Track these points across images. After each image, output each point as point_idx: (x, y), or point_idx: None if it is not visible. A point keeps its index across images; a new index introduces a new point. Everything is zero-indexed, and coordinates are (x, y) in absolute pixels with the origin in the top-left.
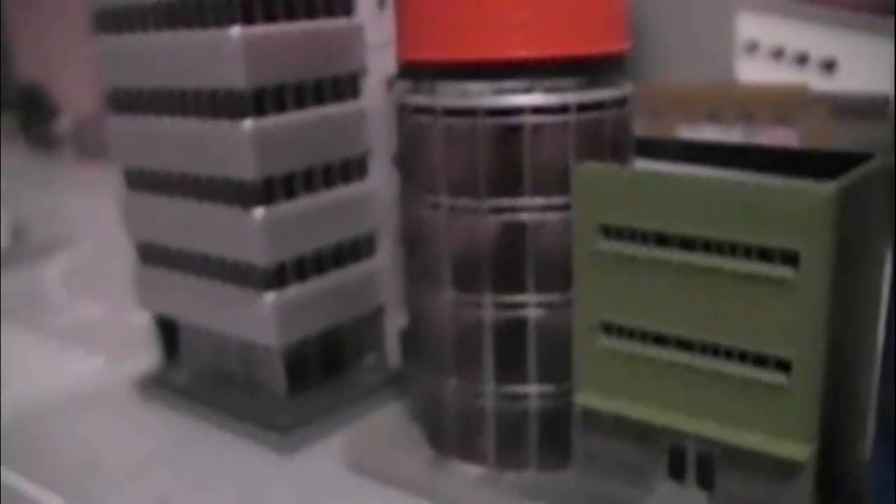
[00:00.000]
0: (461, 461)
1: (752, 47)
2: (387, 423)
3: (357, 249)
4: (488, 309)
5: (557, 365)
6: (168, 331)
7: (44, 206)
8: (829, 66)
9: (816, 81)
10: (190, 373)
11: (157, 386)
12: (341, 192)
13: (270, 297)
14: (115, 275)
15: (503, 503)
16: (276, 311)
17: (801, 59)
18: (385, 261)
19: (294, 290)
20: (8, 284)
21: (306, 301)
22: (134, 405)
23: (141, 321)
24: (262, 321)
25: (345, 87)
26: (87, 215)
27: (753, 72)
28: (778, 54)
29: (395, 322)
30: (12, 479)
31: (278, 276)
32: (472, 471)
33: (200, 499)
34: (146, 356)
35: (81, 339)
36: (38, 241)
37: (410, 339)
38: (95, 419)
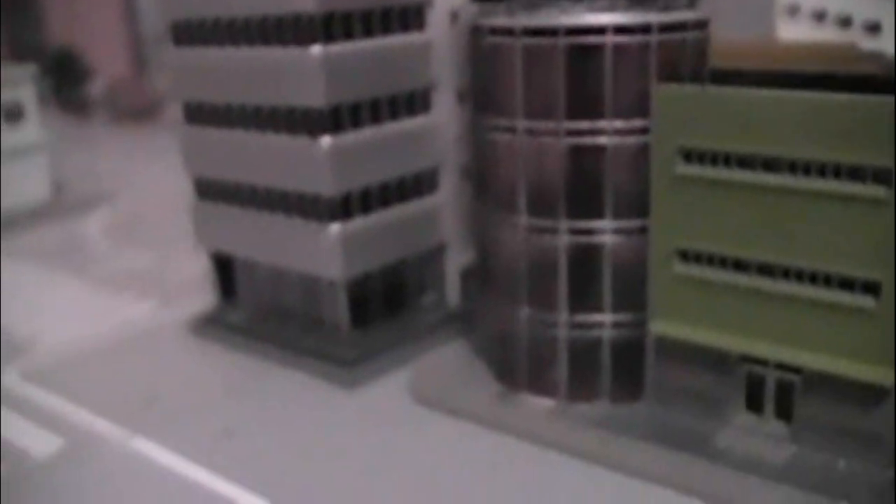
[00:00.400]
0: (531, 394)
1: (794, 10)
2: (451, 358)
3: (420, 184)
4: (563, 235)
5: (632, 293)
6: (225, 269)
7: (80, 165)
8: (873, 28)
9: (861, 43)
10: (248, 311)
11: (214, 325)
12: (406, 124)
13: (336, 228)
14: (155, 226)
15: (574, 434)
16: (342, 243)
17: (844, 22)
18: (447, 197)
19: (359, 223)
20: (53, 235)
21: (371, 234)
22: (191, 344)
23: (184, 270)
24: (327, 254)
25: (411, 17)
26: (123, 174)
27: (795, 33)
28: (820, 17)
29: (455, 261)
30: (75, 411)
31: (344, 208)
32: (542, 403)
33: (266, 431)
34: (194, 301)
35: (129, 285)
36: (77, 196)
37: (477, 273)
38: (154, 357)
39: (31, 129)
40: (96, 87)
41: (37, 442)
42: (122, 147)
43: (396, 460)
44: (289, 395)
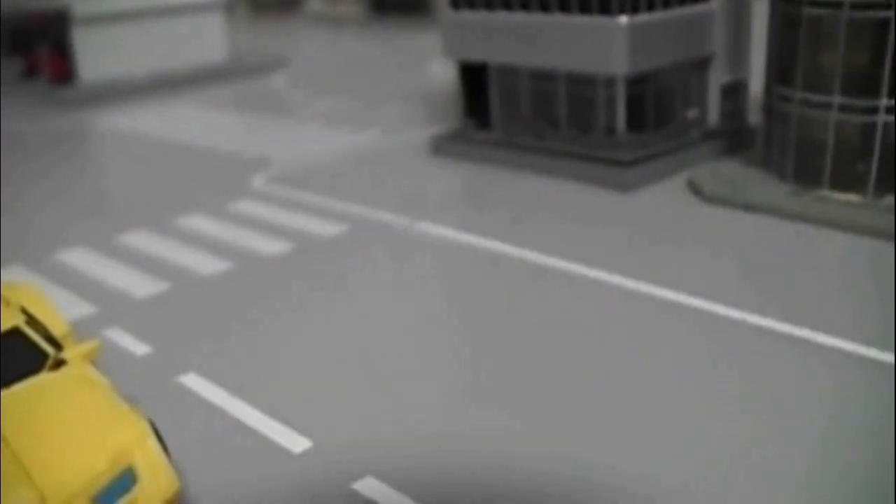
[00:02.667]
0: (831, 190)
1: None
2: (730, 166)
3: None
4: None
5: None
6: (474, 81)
7: (240, 43)
8: None
9: None
10: (501, 124)
11: (461, 142)
12: None
13: (624, 20)
14: (335, 82)
15: (881, 221)
16: (628, 36)
17: None
18: (717, 7)
19: (644, 18)
20: (245, 89)
21: (653, 31)
22: (438, 160)
23: (388, 112)
24: (612, 48)
25: None
26: (281, 49)
27: None
28: None
29: (718, 78)
30: (347, 205)
31: (632, 1)
32: (844, 197)
33: (551, 224)
34: (417, 133)
35: (340, 122)
36: (250, 61)
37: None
38: (403, 167)
39: None
40: None
41: (324, 228)
42: (271, 32)
43: (687, 250)
44: (562, 197)
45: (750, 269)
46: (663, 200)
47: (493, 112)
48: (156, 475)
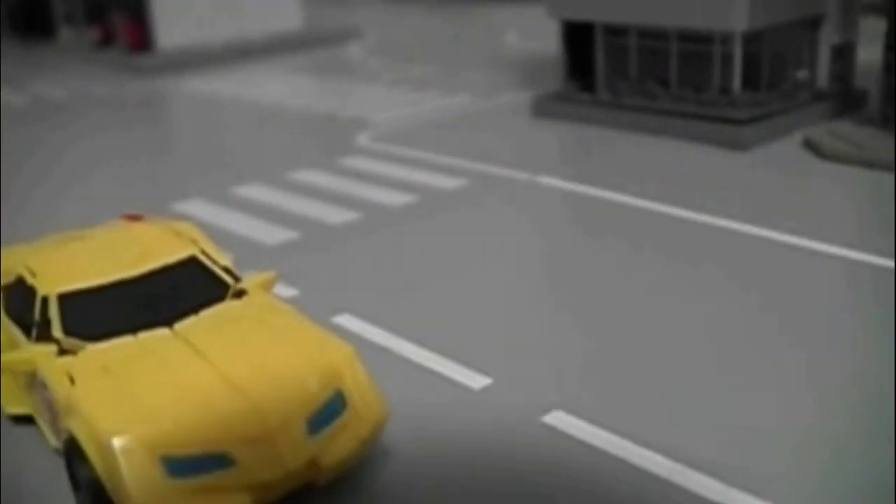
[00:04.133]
0: None
1: None
2: (842, 126)
3: None
4: None
5: None
6: (576, 45)
7: (312, 13)
8: None
9: None
10: (607, 85)
11: (563, 103)
12: None
13: None
14: (412, 51)
15: None
16: None
17: None
18: None
19: None
20: (324, 56)
21: None
22: (539, 121)
23: (475, 78)
24: (733, 3)
25: None
26: (351, 19)
27: None
28: None
29: (828, 39)
30: (433, 157)
31: None
32: None
33: (669, 177)
34: (510, 97)
35: (427, 86)
36: (323, 31)
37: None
38: (505, 127)
39: None
40: None
41: (445, 182)
42: (335, 2)
43: (815, 201)
44: (678, 155)
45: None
46: (782, 158)
47: (598, 72)
48: (366, 400)
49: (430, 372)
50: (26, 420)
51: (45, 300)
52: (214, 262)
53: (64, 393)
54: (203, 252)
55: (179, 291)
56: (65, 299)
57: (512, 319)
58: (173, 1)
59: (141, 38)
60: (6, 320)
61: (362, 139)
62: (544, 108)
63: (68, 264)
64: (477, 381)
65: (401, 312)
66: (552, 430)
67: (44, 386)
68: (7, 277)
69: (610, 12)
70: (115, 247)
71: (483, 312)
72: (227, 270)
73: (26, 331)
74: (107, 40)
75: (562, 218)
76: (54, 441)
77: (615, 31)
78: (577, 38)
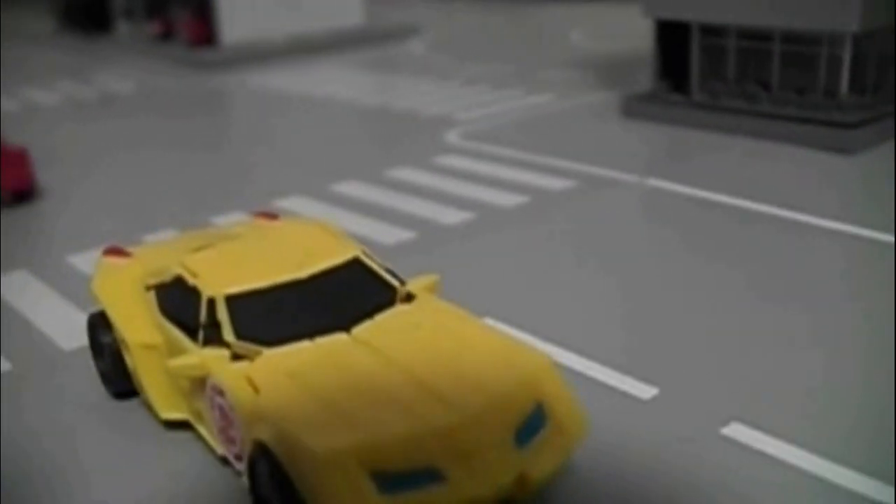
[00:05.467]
0: None
1: None
2: None
3: None
4: None
5: None
6: (669, 43)
7: (371, 12)
8: None
9: None
10: (701, 87)
11: (654, 103)
12: None
13: None
14: (477, 49)
15: None
16: None
17: None
18: None
19: None
20: (391, 52)
21: None
22: (628, 122)
23: (552, 77)
24: (846, 3)
25: None
26: (406, 17)
27: None
28: None
29: None
30: (531, 157)
31: None
32: None
33: (779, 180)
34: (594, 96)
35: (504, 85)
36: (385, 27)
37: None
38: (592, 126)
39: None
40: None
41: (551, 183)
42: (389, 1)
43: None
44: (783, 158)
45: None
46: (890, 162)
47: (693, 73)
48: (566, 411)
49: (594, 381)
50: (181, 426)
51: (211, 302)
52: (377, 263)
53: (247, 400)
54: (364, 253)
55: (348, 294)
56: (233, 301)
57: (658, 324)
58: None
59: (203, 33)
60: (162, 320)
61: (452, 137)
62: (634, 109)
63: (230, 265)
64: (644, 390)
65: (543, 316)
66: (734, 443)
67: (219, 393)
68: (155, 277)
69: (709, 12)
70: (274, 247)
71: (627, 318)
72: (389, 272)
73: (190, 333)
74: (166, 35)
75: (684, 222)
76: (222, 449)
77: (713, 32)
78: (670, 37)
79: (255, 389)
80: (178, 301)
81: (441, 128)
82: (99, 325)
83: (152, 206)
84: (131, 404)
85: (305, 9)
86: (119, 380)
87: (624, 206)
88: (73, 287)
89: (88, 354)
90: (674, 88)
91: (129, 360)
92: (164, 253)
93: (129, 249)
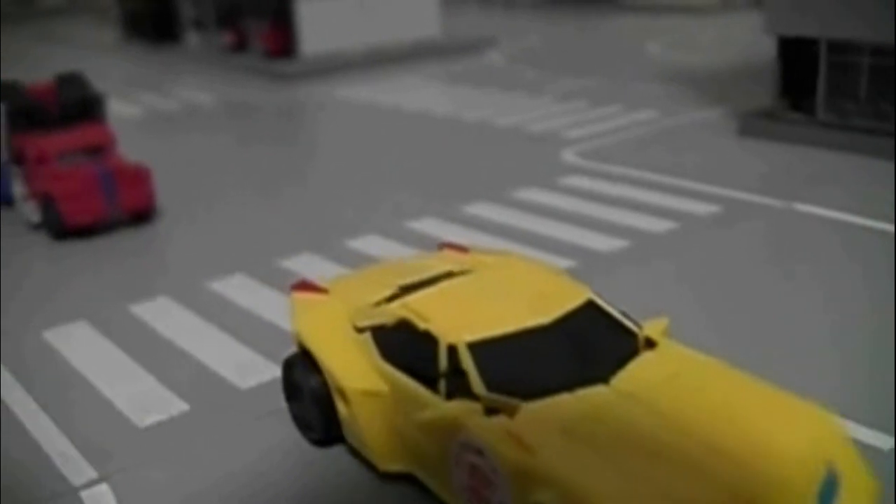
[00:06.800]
0: None
1: None
2: None
3: None
4: None
5: None
6: (794, 61)
7: (456, 24)
8: None
9: None
10: (833, 101)
11: (779, 122)
12: None
13: None
14: (551, 60)
15: None
16: None
17: None
18: None
19: None
20: (471, 64)
21: None
22: (744, 139)
23: (647, 92)
24: None
25: None
26: (479, 29)
27: None
28: None
29: None
30: (659, 179)
31: None
32: None
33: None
34: (696, 112)
35: (600, 101)
36: (461, 39)
37: None
38: (714, 147)
39: None
40: None
41: (696, 207)
42: (443, 11)
43: None
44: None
45: None
46: None
47: (820, 91)
48: (858, 478)
49: None
50: (400, 478)
51: (452, 350)
52: (609, 304)
53: (517, 460)
54: (595, 293)
55: (593, 339)
56: (476, 349)
57: (874, 364)
58: (317, 8)
59: (282, 44)
60: (385, 367)
61: (569, 156)
62: (752, 127)
63: (460, 307)
64: (883, 440)
65: (747, 352)
66: None
67: (474, 451)
68: (363, 316)
69: (840, 29)
70: (501, 287)
71: (837, 356)
72: (623, 314)
73: (426, 383)
74: (239, 45)
75: (860, 252)
76: None
77: (842, 49)
78: (790, 54)
79: (526, 448)
80: (406, 346)
81: (553, 146)
82: (301, 367)
83: (276, 227)
84: (333, 452)
85: (384, 20)
86: (322, 426)
87: (785, 234)
88: (224, 315)
89: (266, 393)
90: (793, 106)
91: (342, 406)
92: (360, 288)
93: (321, 284)
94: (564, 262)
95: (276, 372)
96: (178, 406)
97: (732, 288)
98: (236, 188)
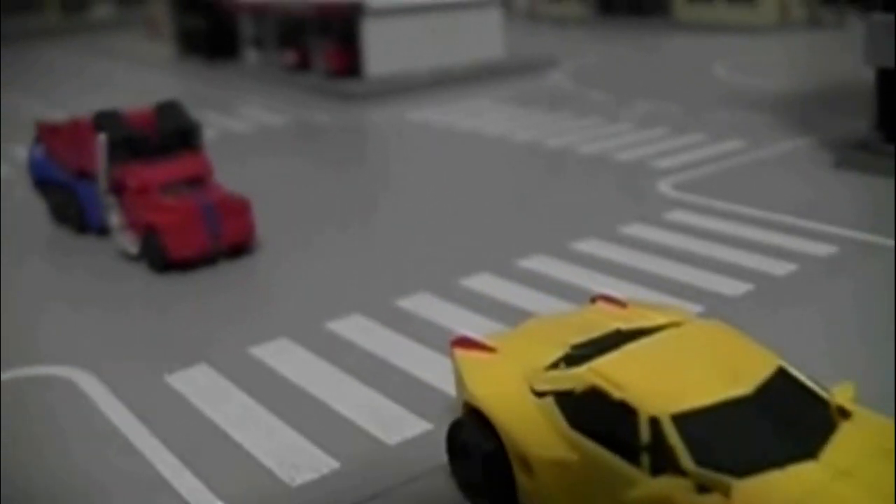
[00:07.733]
0: None
1: None
2: None
3: None
4: None
5: None
6: (891, 92)
7: (519, 43)
8: None
9: None
10: None
11: (867, 153)
12: None
13: None
14: (617, 82)
15: None
16: None
17: None
18: None
19: None
20: (532, 85)
21: None
22: (838, 171)
23: (716, 119)
24: None
25: None
26: (540, 48)
27: None
28: None
29: None
30: (762, 215)
31: None
32: None
33: None
34: (784, 142)
35: (681, 129)
36: (524, 59)
37: None
38: (813, 181)
39: None
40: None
41: (810, 248)
42: (538, 34)
43: None
44: None
45: None
46: None
47: None
48: None
49: None
50: None
51: (655, 422)
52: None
53: None
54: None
55: (790, 410)
56: (681, 421)
57: None
58: (384, 28)
59: (347, 64)
60: (575, 436)
61: (665, 189)
62: (849, 160)
63: (654, 375)
64: None
65: None
66: None
67: None
68: (538, 378)
69: None
70: (689, 352)
71: None
72: (812, 380)
73: (624, 455)
74: (301, 65)
75: None
76: None
77: None
78: (886, 84)
79: None
80: (598, 415)
81: (645, 177)
82: (472, 429)
83: (380, 261)
84: None
85: (450, 42)
86: (494, 492)
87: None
88: (350, 359)
89: (416, 449)
90: (888, 138)
91: (522, 475)
92: (529, 347)
93: (486, 341)
94: (693, 307)
95: (422, 426)
96: (328, 463)
97: (878, 340)
98: (327, 216)
